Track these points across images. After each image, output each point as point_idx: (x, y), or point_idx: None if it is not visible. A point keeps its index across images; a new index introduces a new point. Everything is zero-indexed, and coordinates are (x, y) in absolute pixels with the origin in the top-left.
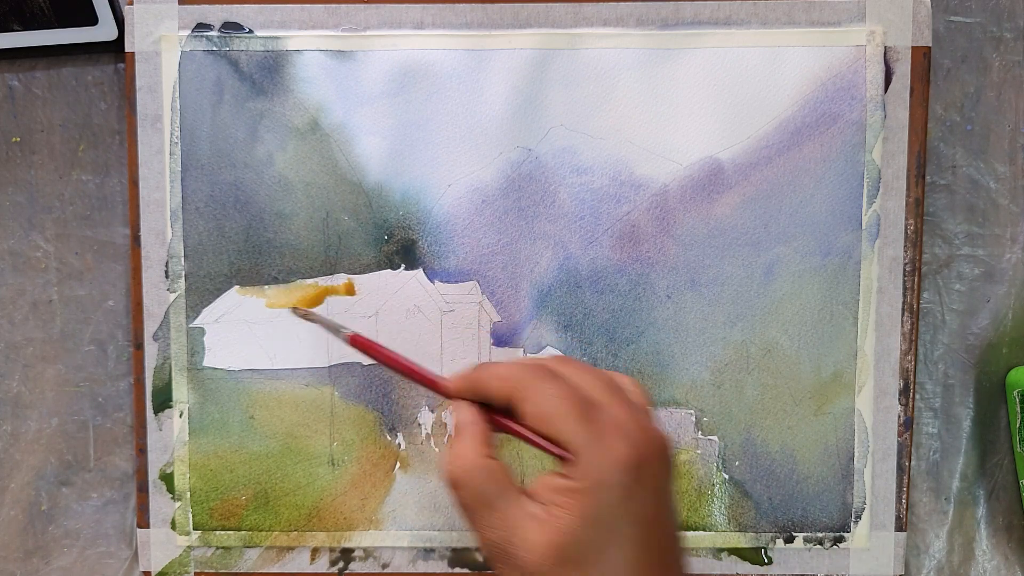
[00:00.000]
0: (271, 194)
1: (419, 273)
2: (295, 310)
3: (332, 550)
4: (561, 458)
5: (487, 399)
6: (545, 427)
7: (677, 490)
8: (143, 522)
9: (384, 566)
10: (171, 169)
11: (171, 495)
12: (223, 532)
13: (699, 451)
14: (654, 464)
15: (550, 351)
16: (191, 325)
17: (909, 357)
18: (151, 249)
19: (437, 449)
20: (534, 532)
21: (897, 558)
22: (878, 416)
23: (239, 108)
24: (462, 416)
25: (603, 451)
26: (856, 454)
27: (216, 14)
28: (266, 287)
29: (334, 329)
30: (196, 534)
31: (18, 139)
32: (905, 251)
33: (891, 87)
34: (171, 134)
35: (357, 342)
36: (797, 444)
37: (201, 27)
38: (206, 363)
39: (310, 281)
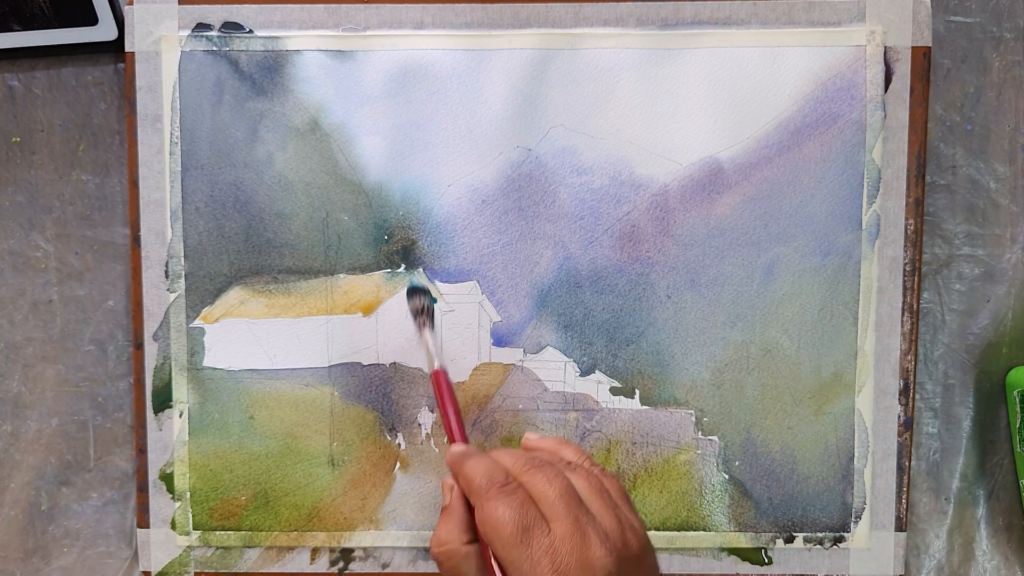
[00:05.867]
0: (271, 194)
1: (419, 273)
2: (417, 320)
3: (332, 550)
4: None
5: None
6: (490, 543)
7: None
8: (143, 522)
9: (384, 566)
10: (171, 169)
11: (171, 495)
12: (223, 532)
13: (699, 451)
14: None
15: (550, 351)
16: (191, 325)
17: (909, 357)
18: (151, 249)
19: (437, 449)
20: None
21: (897, 558)
22: (878, 416)
23: (239, 108)
24: (447, 499)
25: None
26: (856, 454)
27: (216, 14)
28: (266, 287)
29: (430, 356)
30: (196, 534)
31: (18, 139)
32: (905, 251)
33: (891, 87)
34: (171, 134)
35: (435, 378)
36: (797, 444)
37: (201, 27)
38: (206, 363)
39: (312, 282)
